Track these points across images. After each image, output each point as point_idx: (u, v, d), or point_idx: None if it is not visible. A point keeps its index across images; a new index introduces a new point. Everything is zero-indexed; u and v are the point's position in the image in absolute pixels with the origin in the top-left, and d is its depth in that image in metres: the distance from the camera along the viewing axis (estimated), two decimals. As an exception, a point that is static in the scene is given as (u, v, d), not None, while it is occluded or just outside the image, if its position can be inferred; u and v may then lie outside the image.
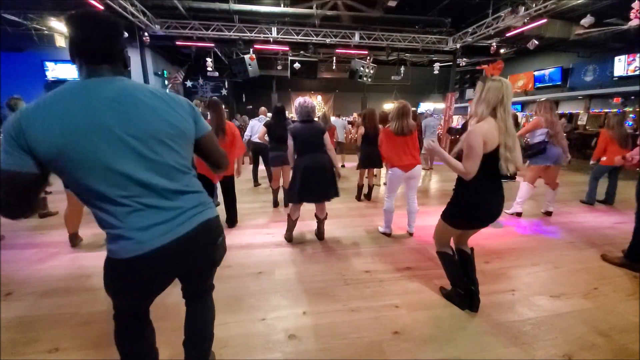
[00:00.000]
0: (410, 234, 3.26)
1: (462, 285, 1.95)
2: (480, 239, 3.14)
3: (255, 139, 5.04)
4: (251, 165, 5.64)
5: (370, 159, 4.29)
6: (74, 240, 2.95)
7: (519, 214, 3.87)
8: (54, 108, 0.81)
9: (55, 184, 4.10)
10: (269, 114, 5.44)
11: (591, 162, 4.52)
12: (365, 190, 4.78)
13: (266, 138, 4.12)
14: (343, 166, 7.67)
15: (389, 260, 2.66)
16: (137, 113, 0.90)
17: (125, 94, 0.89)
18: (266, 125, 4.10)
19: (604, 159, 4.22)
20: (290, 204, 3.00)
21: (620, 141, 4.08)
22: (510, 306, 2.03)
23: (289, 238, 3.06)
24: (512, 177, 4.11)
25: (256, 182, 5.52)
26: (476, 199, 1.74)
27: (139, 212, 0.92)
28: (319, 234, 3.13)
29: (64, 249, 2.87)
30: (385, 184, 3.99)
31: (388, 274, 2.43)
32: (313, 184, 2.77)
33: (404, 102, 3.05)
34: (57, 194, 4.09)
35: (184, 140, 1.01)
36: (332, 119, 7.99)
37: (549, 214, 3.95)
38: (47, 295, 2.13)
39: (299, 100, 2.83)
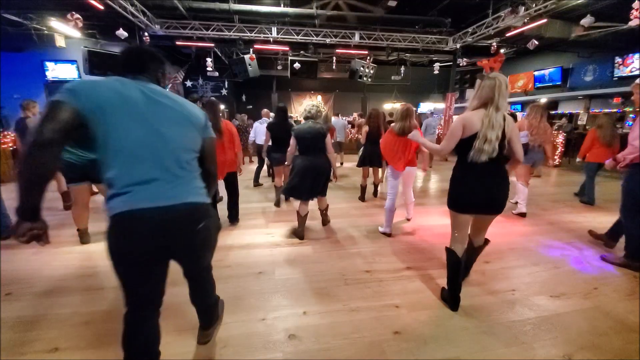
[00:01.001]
0: (408, 219, 3.63)
1: (454, 286, 1.99)
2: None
3: (260, 141, 5.09)
4: (250, 165, 5.66)
5: (371, 157, 4.38)
6: (84, 237, 2.98)
7: (523, 214, 3.90)
8: (102, 83, 1.09)
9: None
10: (271, 114, 5.49)
11: (577, 159, 4.68)
12: (371, 189, 4.86)
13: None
14: (341, 164, 7.71)
15: (390, 260, 2.66)
16: (164, 104, 1.16)
17: (156, 91, 1.17)
18: (269, 127, 4.17)
19: (587, 156, 4.39)
20: (297, 201, 3.17)
21: (607, 141, 4.14)
22: (510, 306, 2.03)
23: (299, 234, 3.13)
24: None
25: (256, 182, 5.55)
26: (460, 181, 1.90)
27: (139, 179, 1.09)
28: (323, 220, 3.46)
29: (64, 249, 2.87)
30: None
31: (388, 274, 2.43)
32: (305, 183, 2.97)
33: (408, 104, 3.18)
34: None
35: (192, 130, 1.23)
36: (333, 119, 8.01)
37: (522, 215, 3.92)
38: (46, 295, 2.13)
39: (307, 103, 3.15)
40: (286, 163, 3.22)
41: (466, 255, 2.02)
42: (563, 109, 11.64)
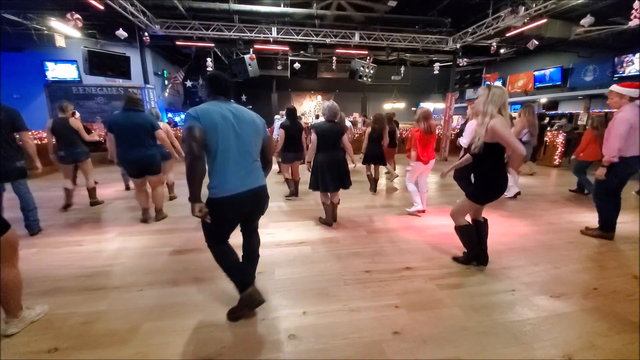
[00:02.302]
0: (423, 211, 3.90)
1: (477, 248, 2.49)
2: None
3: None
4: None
5: (374, 156, 4.85)
6: (145, 214, 3.56)
7: (517, 194, 4.60)
8: (211, 109, 1.64)
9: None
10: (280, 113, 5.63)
11: (572, 156, 4.98)
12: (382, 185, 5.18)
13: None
14: (355, 166, 7.77)
15: (389, 260, 2.66)
16: (244, 119, 1.74)
17: (238, 109, 1.75)
18: (283, 127, 4.46)
19: (582, 155, 4.67)
20: (320, 191, 3.44)
21: (602, 141, 4.20)
22: (510, 306, 2.02)
23: (329, 222, 3.48)
24: None
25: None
26: (499, 178, 2.25)
27: (234, 174, 1.70)
28: (333, 216, 3.54)
29: (64, 249, 2.87)
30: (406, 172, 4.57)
31: (388, 274, 2.43)
32: (330, 176, 3.28)
33: (426, 107, 3.80)
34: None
35: (259, 137, 1.84)
36: None
37: (517, 194, 4.59)
38: (46, 295, 2.13)
39: (327, 103, 3.33)
40: (307, 160, 3.46)
41: (481, 229, 2.49)
42: (563, 109, 11.64)
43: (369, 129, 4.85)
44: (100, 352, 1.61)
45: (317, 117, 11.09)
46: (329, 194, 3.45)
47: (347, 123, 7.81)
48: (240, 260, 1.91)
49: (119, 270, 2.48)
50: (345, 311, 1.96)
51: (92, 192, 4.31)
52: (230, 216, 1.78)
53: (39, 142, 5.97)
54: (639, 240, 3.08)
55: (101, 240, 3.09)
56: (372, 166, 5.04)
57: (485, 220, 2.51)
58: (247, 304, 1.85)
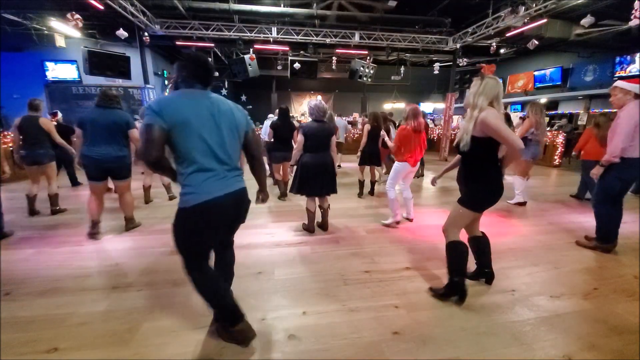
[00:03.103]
0: (410, 220, 3.62)
1: (464, 275, 2.07)
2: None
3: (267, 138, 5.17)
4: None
5: (371, 157, 4.65)
6: (95, 228, 3.10)
7: (521, 204, 4.32)
8: (178, 100, 1.38)
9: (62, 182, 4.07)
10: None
11: (573, 152, 4.85)
12: (368, 187, 4.93)
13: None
14: (339, 166, 7.69)
15: (389, 260, 2.66)
16: (223, 112, 1.47)
17: (217, 100, 1.49)
18: (273, 126, 4.38)
19: (584, 153, 4.51)
20: (301, 195, 3.23)
21: (602, 140, 4.17)
22: (510, 306, 2.02)
23: (310, 228, 3.28)
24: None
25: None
26: (496, 180, 1.93)
27: (206, 174, 1.41)
28: (323, 224, 3.32)
29: (63, 249, 2.87)
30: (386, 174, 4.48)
31: (388, 274, 2.43)
32: (315, 180, 3.06)
33: (415, 104, 3.44)
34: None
35: (238, 132, 1.55)
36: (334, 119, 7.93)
37: (522, 204, 4.33)
38: (45, 295, 2.12)
39: (313, 101, 3.10)
40: (291, 163, 3.24)
41: (476, 250, 2.20)
42: (563, 109, 11.64)
43: (367, 127, 4.63)
44: (99, 352, 1.61)
45: None
46: (316, 199, 3.27)
47: (343, 122, 7.70)
48: (228, 289, 1.65)
49: (118, 271, 2.48)
50: (344, 311, 1.95)
51: (53, 198, 3.93)
52: (211, 227, 1.46)
53: (5, 145, 5.34)
54: (639, 240, 3.08)
55: (100, 240, 3.09)
56: (367, 169, 4.83)
57: (484, 234, 2.21)
58: (239, 341, 1.61)
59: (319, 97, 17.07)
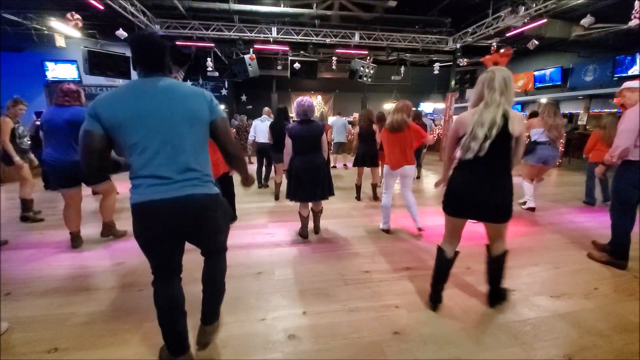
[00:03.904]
0: (419, 229, 3.26)
1: (434, 285, 1.98)
2: (480, 238, 3.14)
3: (260, 139, 5.03)
4: (251, 165, 5.62)
5: (364, 157, 4.41)
6: (76, 241, 2.87)
7: (532, 209, 4.07)
8: (119, 97, 1.22)
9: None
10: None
11: (584, 155, 4.69)
12: (369, 189, 4.81)
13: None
14: (345, 166, 7.61)
15: (389, 260, 2.66)
16: (176, 100, 1.25)
17: (170, 88, 1.27)
18: (270, 126, 4.36)
19: (590, 155, 4.40)
20: (295, 201, 3.06)
21: (609, 141, 4.11)
22: (510, 306, 2.02)
23: (304, 234, 3.14)
24: None
25: (260, 184, 5.37)
26: (450, 181, 1.83)
27: (149, 179, 1.24)
28: (315, 227, 3.24)
29: (63, 249, 2.87)
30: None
31: (388, 274, 2.43)
32: (305, 184, 2.88)
33: (404, 100, 3.12)
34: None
35: (201, 123, 1.31)
36: (333, 118, 7.88)
37: (532, 209, 4.08)
38: (45, 295, 2.13)
39: (297, 100, 2.89)
40: (284, 167, 3.07)
41: (487, 266, 1.96)
42: (563, 109, 11.62)
43: (356, 128, 4.48)
44: (100, 352, 1.61)
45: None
46: (308, 208, 3.12)
47: (343, 121, 7.40)
48: (183, 316, 1.45)
49: (119, 271, 2.48)
50: (345, 311, 1.95)
51: (23, 203, 3.61)
52: (151, 232, 1.30)
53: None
54: (638, 239, 3.08)
55: (101, 240, 3.09)
56: (369, 170, 4.62)
57: (504, 253, 1.89)
58: None
59: (319, 98, 17.12)
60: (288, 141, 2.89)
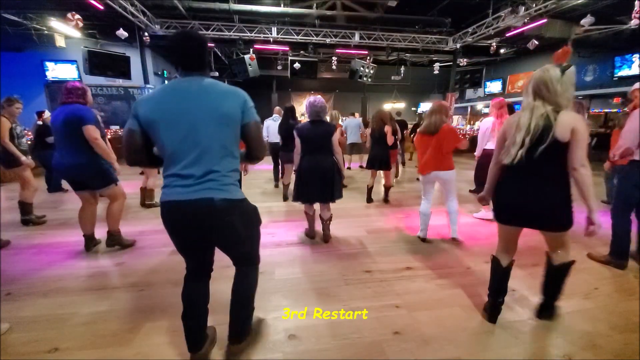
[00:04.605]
0: (455, 240, 3.02)
1: (495, 298, 1.85)
2: (480, 238, 3.15)
3: (272, 139, 4.98)
4: (257, 165, 5.60)
5: (374, 160, 4.27)
6: (88, 244, 2.80)
7: None
8: (156, 96, 1.27)
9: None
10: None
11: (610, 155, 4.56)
12: (381, 192, 4.72)
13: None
14: (361, 167, 7.24)
15: (390, 260, 2.66)
16: (208, 101, 1.24)
17: (204, 87, 1.27)
18: (279, 126, 4.39)
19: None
20: (300, 202, 2.99)
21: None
22: (510, 306, 2.02)
23: (310, 234, 3.10)
24: None
25: (277, 183, 5.32)
26: (503, 189, 1.71)
27: (177, 178, 1.27)
28: (324, 236, 3.05)
29: (63, 249, 2.87)
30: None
31: (389, 274, 2.43)
32: (312, 185, 2.78)
33: (439, 101, 3.01)
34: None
35: (232, 124, 1.29)
36: (348, 118, 7.44)
37: None
38: (46, 295, 2.13)
39: (309, 99, 2.79)
40: (294, 167, 2.97)
41: (545, 276, 1.83)
42: (563, 109, 11.61)
43: (368, 130, 4.39)
44: (100, 352, 1.61)
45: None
46: (313, 206, 3.01)
47: (357, 121, 7.06)
48: (200, 315, 1.50)
49: (120, 271, 2.48)
50: (345, 311, 1.95)
51: (23, 206, 3.50)
52: (174, 231, 1.34)
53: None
54: (638, 239, 3.07)
55: (101, 240, 3.09)
56: (381, 172, 4.46)
57: (570, 263, 1.73)
58: None
59: (319, 97, 17.12)
60: (298, 141, 2.83)
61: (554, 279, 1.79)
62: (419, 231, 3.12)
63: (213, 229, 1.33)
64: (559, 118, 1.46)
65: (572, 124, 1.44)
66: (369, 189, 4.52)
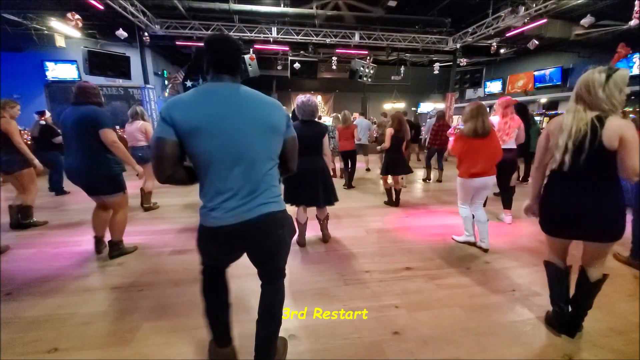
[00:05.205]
0: (485, 250, 2.84)
1: (560, 304, 1.73)
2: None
3: None
4: None
5: (396, 165, 4.14)
6: (99, 246, 2.74)
7: None
8: (192, 101, 1.12)
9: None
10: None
11: None
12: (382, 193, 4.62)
13: None
14: (368, 170, 7.08)
15: (389, 261, 2.66)
16: (249, 112, 1.16)
17: (246, 96, 1.18)
18: None
19: None
20: (294, 205, 2.86)
21: None
22: (511, 306, 2.02)
23: (301, 242, 2.96)
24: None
25: None
26: (549, 197, 1.61)
27: (222, 195, 1.15)
28: (323, 236, 3.05)
29: (64, 250, 2.87)
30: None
31: (388, 274, 2.43)
32: (302, 188, 2.69)
33: (476, 102, 2.82)
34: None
35: (279, 135, 1.25)
36: (357, 119, 7.18)
37: None
38: (46, 295, 2.13)
39: (300, 98, 2.65)
40: None
41: (577, 290, 1.70)
42: (563, 109, 11.62)
43: (391, 130, 4.04)
44: (100, 353, 1.61)
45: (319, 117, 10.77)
46: (305, 213, 2.92)
47: (367, 122, 6.91)
48: (227, 308, 1.46)
49: (119, 271, 2.48)
50: (345, 311, 1.95)
51: (24, 210, 3.42)
52: (214, 251, 1.30)
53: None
54: (637, 239, 3.07)
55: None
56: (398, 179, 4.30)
57: (603, 277, 1.63)
58: None
59: (319, 97, 17.12)
60: None
61: (588, 295, 1.67)
62: (465, 236, 2.96)
63: (264, 245, 1.28)
64: (607, 124, 1.36)
65: (619, 132, 1.34)
66: (389, 191, 4.35)
